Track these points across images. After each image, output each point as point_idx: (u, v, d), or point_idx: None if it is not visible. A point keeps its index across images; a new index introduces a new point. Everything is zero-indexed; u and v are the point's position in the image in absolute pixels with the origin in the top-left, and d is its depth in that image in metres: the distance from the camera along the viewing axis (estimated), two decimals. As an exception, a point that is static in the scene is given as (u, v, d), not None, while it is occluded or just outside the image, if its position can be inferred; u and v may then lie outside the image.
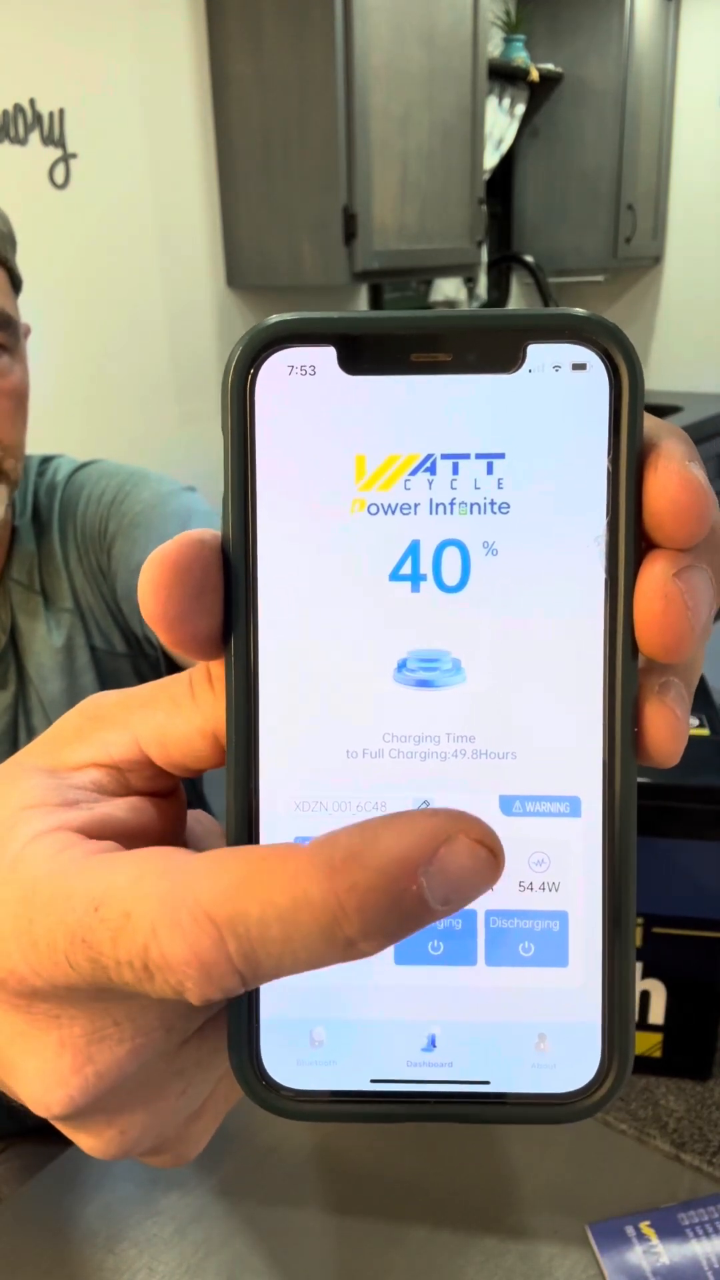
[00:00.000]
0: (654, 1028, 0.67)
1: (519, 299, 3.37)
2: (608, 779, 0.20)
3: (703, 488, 0.19)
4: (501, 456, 0.20)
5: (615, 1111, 0.66)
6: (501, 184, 3.13)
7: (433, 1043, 0.21)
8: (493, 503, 0.20)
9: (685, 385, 3.36)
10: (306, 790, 0.21)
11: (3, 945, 0.19)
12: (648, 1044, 0.68)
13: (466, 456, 0.20)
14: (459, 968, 0.21)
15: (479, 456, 0.20)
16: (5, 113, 1.70)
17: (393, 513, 0.20)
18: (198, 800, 0.96)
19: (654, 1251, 0.56)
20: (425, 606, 0.20)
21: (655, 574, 0.19)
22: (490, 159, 2.85)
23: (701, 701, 0.71)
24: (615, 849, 0.20)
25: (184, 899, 0.17)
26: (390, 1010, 0.21)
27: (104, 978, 0.18)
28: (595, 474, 0.20)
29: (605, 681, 0.20)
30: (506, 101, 2.88)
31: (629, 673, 0.20)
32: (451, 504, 0.20)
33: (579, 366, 0.20)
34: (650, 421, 0.20)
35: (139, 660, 0.86)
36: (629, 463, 0.20)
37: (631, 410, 0.20)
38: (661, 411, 2.91)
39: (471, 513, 0.20)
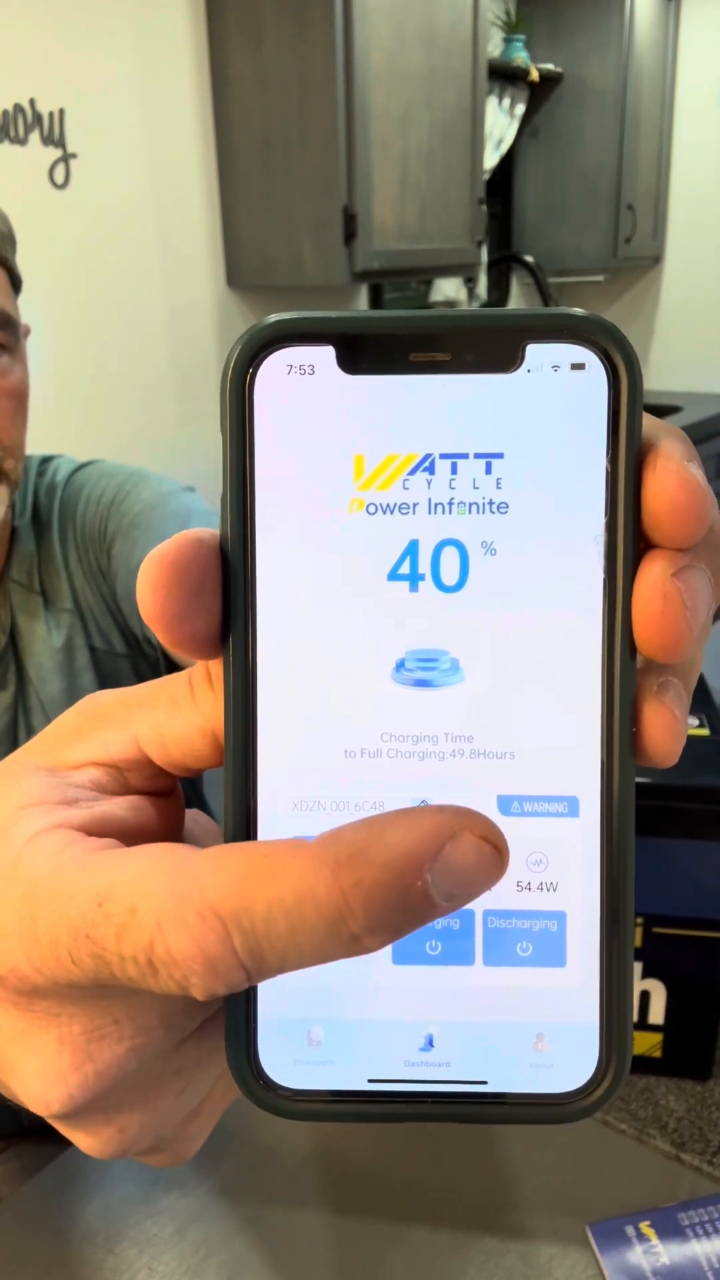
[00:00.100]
0: (654, 1028, 0.67)
1: (519, 299, 3.37)
2: (606, 779, 0.20)
3: (701, 488, 0.19)
4: (500, 456, 0.20)
5: (615, 1111, 0.66)
6: (501, 184, 3.13)
7: (430, 1042, 0.21)
8: (491, 502, 0.20)
9: (685, 385, 3.36)
10: (305, 790, 0.21)
11: (4, 943, 0.19)
12: (648, 1044, 0.68)
13: (465, 456, 0.20)
14: (457, 967, 0.21)
15: (478, 456, 0.20)
16: (5, 113, 1.70)
17: (391, 512, 0.20)
18: (197, 800, 0.96)
19: (654, 1251, 0.56)
20: (424, 606, 0.20)
21: (654, 574, 0.19)
22: (490, 159, 2.85)
23: (701, 701, 0.71)
24: (614, 849, 0.20)
25: (189, 894, 0.17)
26: (388, 1010, 0.21)
27: (107, 974, 0.18)
28: (594, 474, 0.20)
29: (604, 681, 0.20)
30: (506, 101, 2.88)
31: (627, 673, 0.20)
32: (450, 504, 0.20)
33: (578, 366, 0.20)
34: (649, 421, 0.20)
35: (139, 660, 0.86)
36: (628, 463, 0.20)
37: (630, 410, 0.20)
38: (661, 411, 2.91)
39: (470, 512, 0.20)
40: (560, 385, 0.20)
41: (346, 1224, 0.60)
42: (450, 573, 0.20)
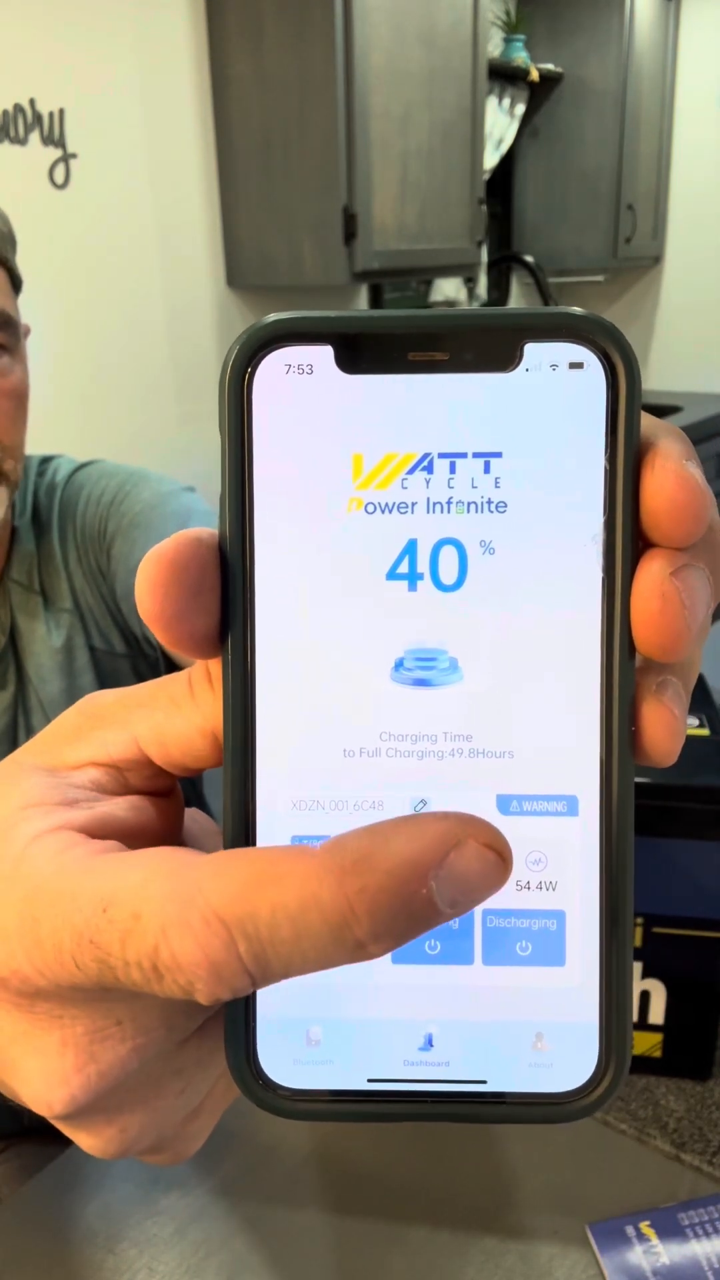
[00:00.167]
0: (654, 1028, 0.67)
1: (519, 299, 3.37)
2: (605, 778, 0.20)
3: (700, 487, 0.19)
4: (499, 455, 0.20)
5: (615, 1111, 0.66)
6: (501, 184, 3.13)
7: (430, 1042, 0.21)
8: (490, 502, 0.20)
9: (685, 385, 3.36)
10: (303, 789, 0.21)
11: (6, 945, 0.19)
12: (648, 1044, 0.68)
13: (464, 455, 0.20)
14: (456, 967, 0.21)
15: (476, 455, 0.20)
16: (5, 113, 1.70)
17: (390, 512, 0.20)
18: (196, 800, 0.96)
19: (654, 1251, 0.56)
20: (422, 605, 0.20)
21: (652, 573, 0.19)
22: (490, 159, 2.85)
23: (701, 701, 0.71)
24: (613, 848, 0.20)
25: (194, 900, 0.17)
26: (387, 1010, 0.21)
27: (111, 978, 0.18)
28: (592, 473, 0.20)
29: (603, 680, 0.20)
30: (506, 101, 2.88)
31: (626, 672, 0.20)
32: (449, 503, 0.20)
33: (576, 365, 0.20)
34: (647, 421, 0.20)
35: (138, 660, 0.86)
36: (626, 462, 0.20)
37: (629, 409, 0.20)
38: (661, 411, 2.91)
39: (469, 512, 0.20)
40: (559, 384, 0.20)
41: (346, 1224, 0.60)
42: (449, 572, 0.20)
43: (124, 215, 1.94)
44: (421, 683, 0.20)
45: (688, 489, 0.19)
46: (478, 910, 0.21)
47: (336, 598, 0.20)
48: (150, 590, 0.19)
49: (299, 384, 0.20)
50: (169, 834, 0.23)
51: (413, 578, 0.20)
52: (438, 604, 0.20)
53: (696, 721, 0.69)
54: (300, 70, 1.92)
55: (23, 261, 0.78)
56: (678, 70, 3.19)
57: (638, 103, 2.97)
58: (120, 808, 0.21)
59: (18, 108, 1.72)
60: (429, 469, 0.20)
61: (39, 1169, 0.65)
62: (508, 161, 3.09)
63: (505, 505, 0.20)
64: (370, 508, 0.20)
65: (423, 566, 0.20)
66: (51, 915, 0.18)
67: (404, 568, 0.20)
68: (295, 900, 0.17)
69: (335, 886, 0.16)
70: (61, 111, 1.78)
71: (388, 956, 0.21)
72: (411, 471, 0.20)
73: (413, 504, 0.20)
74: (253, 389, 0.20)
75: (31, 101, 1.74)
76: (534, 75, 2.82)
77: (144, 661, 0.86)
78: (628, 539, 0.20)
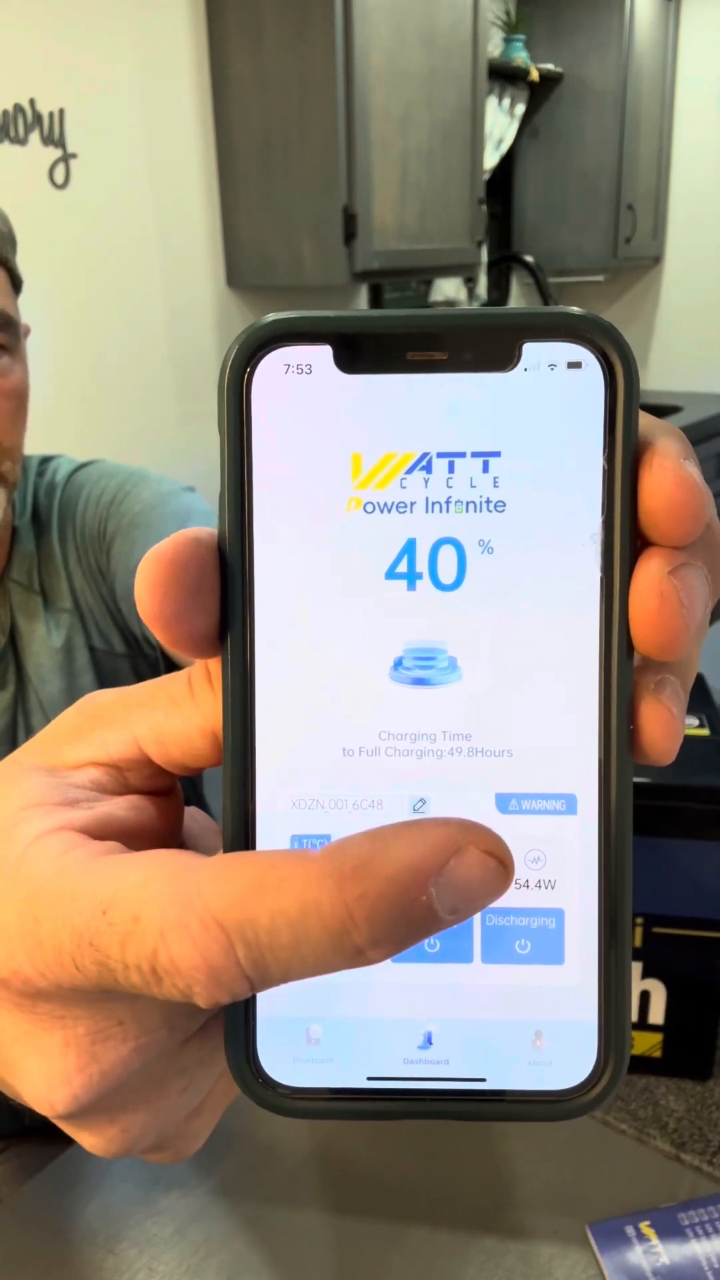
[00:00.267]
0: (654, 1028, 0.67)
1: (519, 299, 3.37)
2: (604, 777, 0.20)
3: (698, 486, 0.19)
4: (497, 455, 0.20)
5: (615, 1111, 0.66)
6: (501, 184, 3.13)
7: (429, 1040, 0.21)
8: (488, 501, 0.20)
9: (685, 385, 3.36)
10: (303, 788, 0.21)
11: (7, 945, 0.19)
12: (648, 1044, 0.68)
13: (462, 455, 0.20)
14: (455, 965, 0.21)
15: (475, 455, 0.20)
16: (5, 113, 1.70)
17: (389, 511, 0.20)
18: (196, 799, 0.96)
19: (654, 1251, 0.56)
20: (421, 605, 0.20)
21: (650, 572, 0.19)
22: (490, 159, 2.85)
23: (701, 701, 0.71)
24: (612, 846, 0.21)
25: (193, 904, 0.17)
26: (387, 1008, 0.21)
27: (111, 981, 0.18)
28: (591, 472, 0.20)
29: (601, 679, 0.20)
30: (506, 101, 2.88)
31: (625, 671, 0.20)
32: (447, 502, 0.20)
33: (574, 365, 0.20)
34: (646, 420, 0.20)
35: (138, 660, 0.86)
36: (624, 461, 0.20)
37: (627, 408, 0.20)
38: (661, 411, 2.91)
39: (467, 511, 0.20)
40: (557, 384, 0.20)
41: (346, 1224, 0.60)
42: (448, 571, 0.20)
43: (124, 215, 1.94)
44: (420, 682, 0.20)
45: (686, 488, 0.19)
46: None
47: (335, 597, 0.20)
48: (150, 590, 0.19)
49: (298, 384, 0.20)
50: (169, 833, 0.23)
51: (412, 577, 0.20)
52: (437, 603, 0.20)
53: (696, 721, 0.69)
54: (300, 70, 1.92)
55: (23, 261, 0.78)
56: (678, 70, 3.19)
57: (638, 103, 2.97)
58: (120, 807, 0.21)
59: (18, 108, 1.72)
60: (428, 468, 0.20)
61: (39, 1169, 0.65)
62: (508, 161, 3.09)
63: (504, 505, 0.20)
64: (369, 507, 0.20)
65: (422, 566, 0.20)
66: (52, 917, 0.18)
67: (403, 567, 0.20)
68: (295, 906, 0.17)
69: (335, 892, 0.16)
70: (61, 111, 1.78)
71: None
72: (410, 471, 0.20)
73: (411, 503, 0.20)
74: (252, 389, 0.20)
75: (31, 101, 1.74)
76: (534, 75, 2.82)
77: (144, 661, 0.86)
78: (626, 538, 0.20)
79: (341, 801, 0.21)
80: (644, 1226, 0.58)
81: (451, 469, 0.20)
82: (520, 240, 3.21)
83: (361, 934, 0.16)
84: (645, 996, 0.67)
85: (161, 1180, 0.63)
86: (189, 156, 2.05)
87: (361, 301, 2.62)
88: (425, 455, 0.20)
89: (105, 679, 0.84)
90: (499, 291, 3.32)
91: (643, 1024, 0.67)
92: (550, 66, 2.90)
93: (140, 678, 0.86)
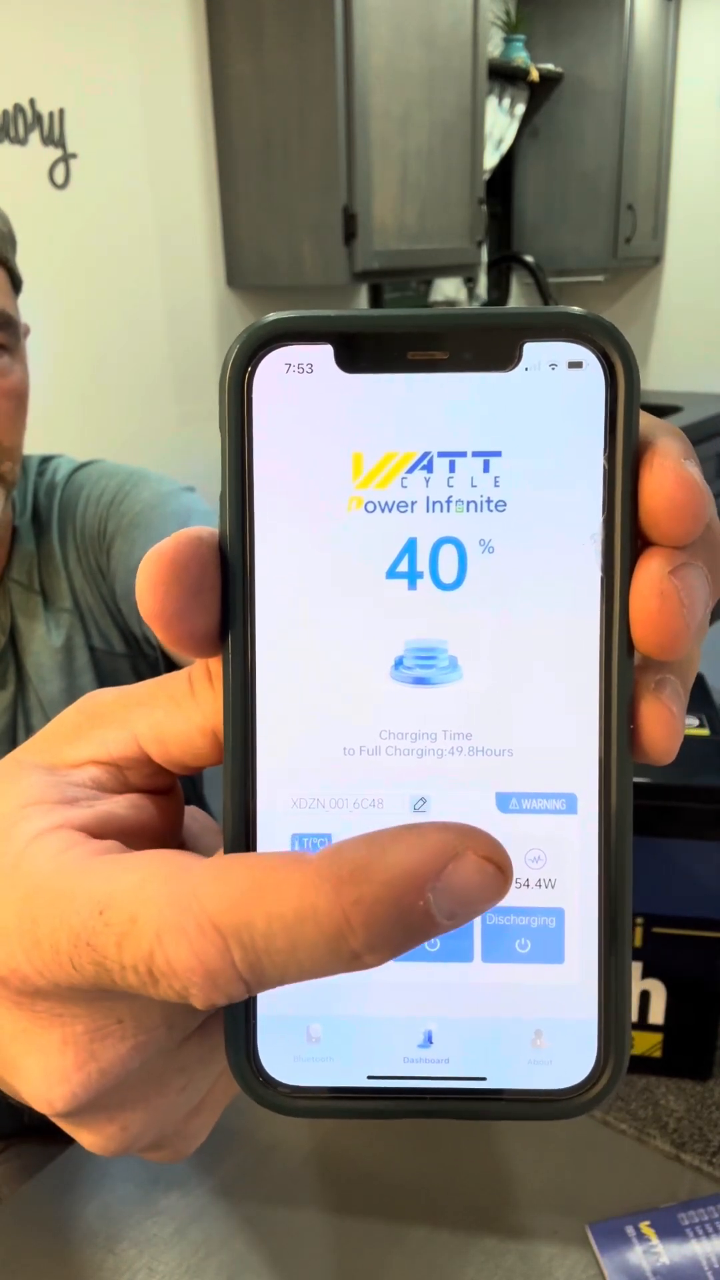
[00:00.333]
0: (654, 1028, 0.67)
1: (519, 299, 3.37)
2: (604, 776, 0.20)
3: (698, 486, 0.19)
4: (498, 454, 0.20)
5: (615, 1111, 0.66)
6: (501, 184, 3.14)
7: (429, 1039, 0.21)
8: (489, 500, 0.20)
9: (685, 385, 3.36)
10: (304, 787, 0.21)
11: (6, 944, 0.19)
12: (648, 1044, 0.68)
13: (463, 454, 0.20)
14: (455, 964, 0.21)
15: (475, 454, 0.20)
16: (5, 113, 1.70)
17: (389, 510, 0.20)
18: (196, 798, 0.96)
19: (654, 1251, 0.56)
20: (422, 604, 0.20)
21: (651, 571, 0.19)
22: (490, 159, 2.85)
23: (701, 701, 0.71)
24: (612, 846, 0.21)
25: (190, 906, 0.17)
26: (387, 1007, 0.21)
27: (108, 980, 0.18)
28: (591, 472, 0.20)
29: (601, 679, 0.20)
30: (506, 101, 2.88)
31: (625, 670, 0.20)
32: (448, 502, 0.20)
33: (575, 365, 0.20)
34: (646, 420, 0.20)
35: (138, 660, 0.86)
36: (625, 460, 0.20)
37: (627, 408, 0.20)
38: (661, 411, 2.91)
39: (468, 510, 0.20)
40: (558, 383, 0.20)
41: (346, 1224, 0.60)
42: (448, 570, 0.20)
43: (124, 215, 1.94)
44: (421, 681, 0.20)
45: (686, 488, 0.19)
46: None
47: (336, 596, 0.20)
48: (151, 589, 0.19)
49: (299, 383, 0.20)
50: (169, 832, 0.23)
51: (412, 576, 0.20)
52: (437, 602, 0.20)
53: (696, 721, 0.69)
54: (300, 70, 1.92)
55: (23, 261, 0.78)
56: (678, 70, 3.19)
57: (638, 103, 2.97)
58: (120, 806, 0.21)
59: (18, 108, 1.72)
60: (429, 468, 0.20)
61: (39, 1169, 0.65)
62: (508, 161, 3.09)
63: (504, 504, 0.20)
64: (370, 506, 0.20)
65: (422, 565, 0.20)
66: (49, 916, 0.18)
67: (404, 566, 0.20)
68: (291, 910, 0.17)
69: (332, 896, 0.16)
70: (61, 111, 1.78)
71: None
72: (411, 470, 0.20)
73: (412, 503, 0.20)
74: (253, 388, 0.20)
75: (31, 101, 1.74)
76: (534, 75, 2.82)
77: (144, 661, 0.86)
78: (626, 538, 0.20)
79: (342, 801, 0.21)
80: (644, 1226, 0.58)
81: (452, 468, 0.20)
82: (520, 240, 3.21)
83: (358, 939, 0.16)
84: (645, 996, 0.67)
85: (161, 1180, 0.63)
86: (189, 156, 2.05)
87: (361, 301, 2.62)
88: (426, 455, 0.20)
89: (105, 679, 0.84)
90: (499, 291, 3.32)
91: (643, 1024, 0.67)
92: (550, 66, 2.90)
93: (140, 677, 0.86)
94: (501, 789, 0.21)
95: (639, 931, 0.65)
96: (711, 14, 3.10)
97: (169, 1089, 0.21)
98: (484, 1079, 0.21)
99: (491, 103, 2.77)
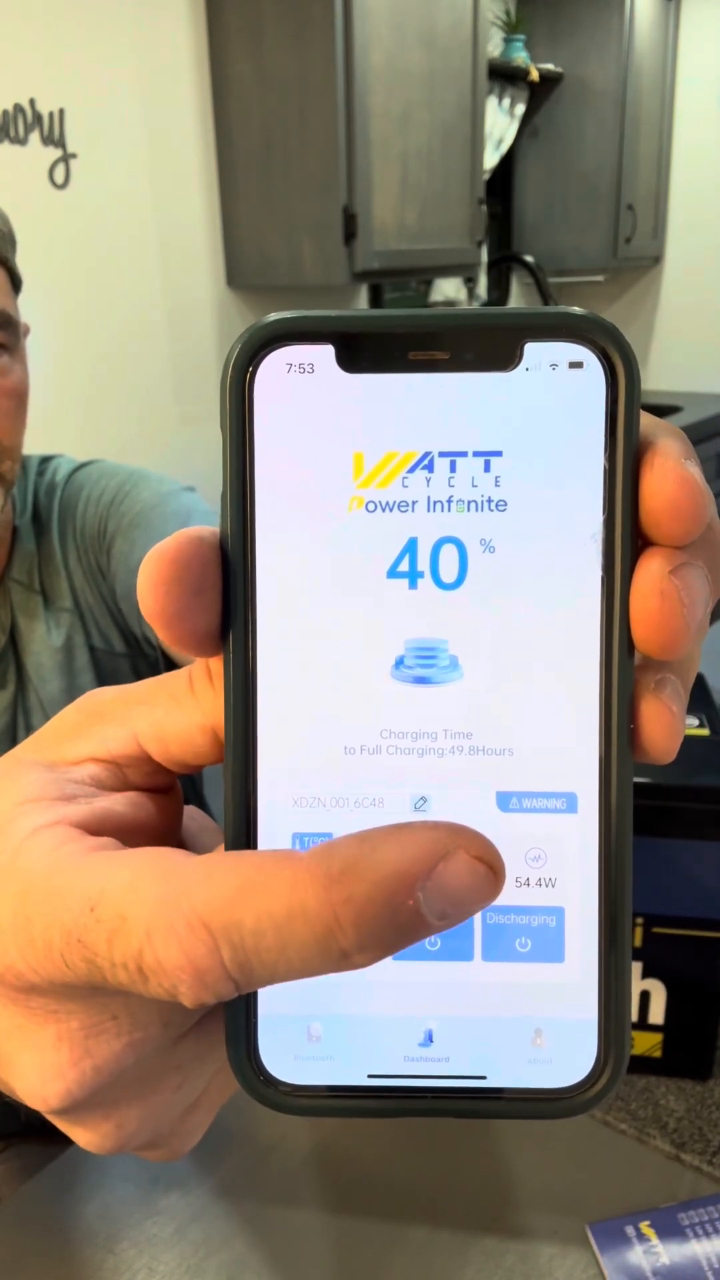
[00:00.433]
0: (654, 1028, 0.67)
1: (519, 299, 3.37)
2: (604, 776, 0.20)
3: (699, 486, 0.19)
4: (499, 454, 0.20)
5: (615, 1111, 0.66)
6: (501, 184, 3.14)
7: (430, 1038, 0.21)
8: (490, 500, 0.20)
9: (685, 385, 3.36)
10: (304, 786, 0.21)
11: (0, 941, 0.19)
12: (648, 1044, 0.68)
13: (464, 454, 0.20)
14: (456, 963, 0.21)
15: (476, 454, 0.20)
16: (5, 113, 1.70)
17: (390, 510, 0.20)
18: (196, 798, 0.96)
19: (654, 1251, 0.56)
20: (423, 603, 0.20)
21: (651, 571, 0.19)
22: (490, 159, 2.85)
23: (701, 701, 0.71)
24: (612, 845, 0.21)
25: (179, 904, 0.17)
26: (387, 1005, 0.21)
27: (99, 977, 0.18)
28: (592, 472, 0.20)
29: (602, 678, 0.20)
30: (506, 101, 2.88)
31: (625, 670, 0.20)
32: (449, 501, 0.20)
33: (576, 365, 0.20)
34: (647, 420, 0.20)
35: (138, 660, 0.86)
36: (625, 460, 0.20)
37: (628, 408, 0.20)
38: (661, 411, 2.91)
39: (469, 510, 0.20)
40: (558, 384, 0.20)
41: (346, 1224, 0.60)
42: (449, 570, 0.20)
43: (124, 215, 1.94)
44: (422, 680, 0.20)
45: (687, 488, 0.19)
46: None
47: (337, 596, 0.20)
48: (152, 588, 0.19)
49: (300, 383, 0.20)
50: (168, 831, 0.23)
51: (413, 576, 0.20)
52: (438, 602, 0.20)
53: (696, 721, 0.69)
54: (300, 70, 1.92)
55: (23, 261, 0.78)
56: (678, 70, 3.19)
57: (638, 103, 2.97)
58: (119, 803, 0.21)
59: (18, 108, 1.72)
60: (429, 468, 0.20)
61: (39, 1169, 0.65)
62: (508, 161, 3.09)
63: (505, 504, 0.20)
64: (371, 506, 0.20)
65: (423, 565, 0.20)
66: (43, 912, 0.18)
67: (404, 566, 0.20)
68: (281, 908, 0.17)
69: (321, 895, 0.16)
70: (61, 111, 1.78)
71: None
72: (412, 470, 0.20)
73: (413, 502, 0.20)
74: (254, 388, 0.20)
75: (31, 101, 1.74)
76: (534, 75, 2.82)
77: (143, 661, 0.86)
78: (627, 537, 0.20)
79: (343, 799, 0.21)
80: (644, 1226, 0.58)
81: (453, 468, 0.20)
82: (520, 240, 3.21)
83: (348, 938, 0.16)
84: (645, 996, 0.67)
85: (161, 1180, 0.63)
86: (189, 156, 2.05)
87: (361, 301, 2.62)
88: (427, 454, 0.20)
89: (105, 678, 0.84)
90: (499, 291, 3.32)
91: (643, 1024, 0.67)
92: (550, 66, 2.90)
93: (140, 677, 0.86)
94: (502, 788, 0.21)
95: (639, 931, 0.65)
96: (711, 14, 3.10)
97: (164, 1086, 0.21)
98: (484, 1078, 0.21)
99: (491, 103, 2.77)
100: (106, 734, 0.22)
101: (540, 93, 3.00)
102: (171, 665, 0.83)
